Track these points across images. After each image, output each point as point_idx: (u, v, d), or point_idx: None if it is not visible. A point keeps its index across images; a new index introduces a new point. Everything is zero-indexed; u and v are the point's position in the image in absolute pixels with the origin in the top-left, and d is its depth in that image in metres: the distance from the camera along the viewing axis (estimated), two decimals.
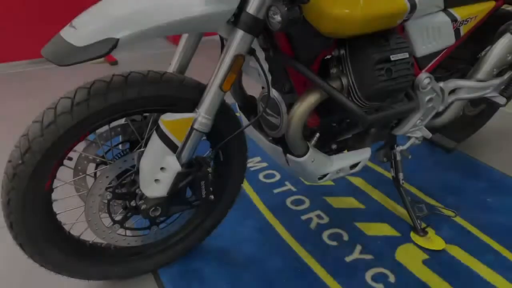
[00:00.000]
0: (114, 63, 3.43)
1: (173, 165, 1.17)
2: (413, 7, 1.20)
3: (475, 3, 1.57)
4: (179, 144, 1.17)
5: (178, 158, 1.19)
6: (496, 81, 1.71)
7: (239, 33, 1.10)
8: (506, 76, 1.73)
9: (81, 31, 0.99)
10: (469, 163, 2.11)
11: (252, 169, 2.05)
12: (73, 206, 1.30)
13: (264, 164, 2.09)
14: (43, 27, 3.39)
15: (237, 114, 1.43)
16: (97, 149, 1.28)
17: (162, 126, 1.15)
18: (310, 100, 1.29)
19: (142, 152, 1.20)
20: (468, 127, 2.27)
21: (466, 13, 1.54)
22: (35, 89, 2.95)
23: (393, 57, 1.26)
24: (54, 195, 1.21)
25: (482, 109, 2.21)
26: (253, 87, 1.56)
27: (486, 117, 2.29)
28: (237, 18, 1.10)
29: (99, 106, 1.08)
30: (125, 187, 1.26)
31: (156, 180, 1.19)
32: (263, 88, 1.52)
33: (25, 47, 3.33)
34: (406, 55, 1.29)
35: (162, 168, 1.18)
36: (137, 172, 1.23)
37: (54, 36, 1.03)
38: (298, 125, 1.30)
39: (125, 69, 1.16)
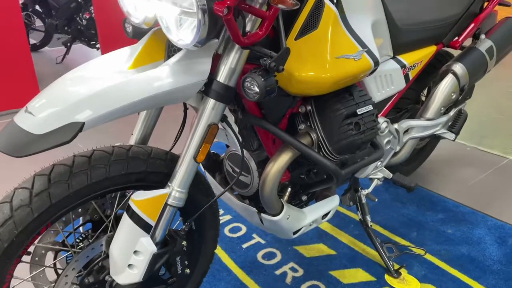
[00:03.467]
0: None
1: (148, 247, 1.07)
2: (376, 63, 1.23)
3: (419, 49, 1.67)
4: (152, 223, 1.08)
5: (152, 237, 1.10)
6: (444, 118, 1.81)
7: (211, 102, 1.05)
8: (452, 113, 1.83)
9: (39, 116, 0.89)
10: (423, 195, 2.19)
11: None
12: None
13: (228, 217, 2.02)
14: None
15: None
16: (55, 236, 1.15)
17: (133, 206, 1.06)
18: (283, 159, 1.26)
19: (111, 236, 1.09)
20: (415, 160, 2.37)
21: (413, 59, 1.62)
22: None
23: (359, 111, 1.28)
24: None
25: (427, 141, 2.33)
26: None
27: (430, 148, 2.41)
28: (207, 87, 1.05)
29: (62, 194, 0.97)
30: (93, 275, 1.13)
31: (130, 265, 1.09)
32: (227, 146, 1.48)
33: None
34: (371, 107, 1.31)
35: (135, 252, 1.08)
36: (106, 257, 1.12)
37: (7, 124, 0.91)
38: (274, 185, 1.27)
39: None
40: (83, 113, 0.90)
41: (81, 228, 1.21)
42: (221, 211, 2.06)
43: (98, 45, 4.70)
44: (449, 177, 2.36)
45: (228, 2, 0.87)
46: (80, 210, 1.17)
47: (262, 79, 0.96)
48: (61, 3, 4.68)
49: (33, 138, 0.87)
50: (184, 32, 0.97)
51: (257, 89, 0.97)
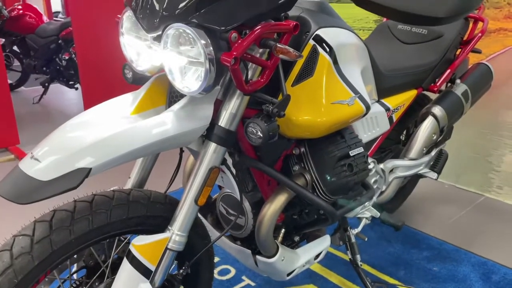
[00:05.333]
0: None
1: None
2: (368, 108, 1.30)
3: (401, 93, 1.76)
4: (152, 268, 1.07)
5: (152, 283, 1.08)
6: (426, 158, 1.88)
7: (212, 146, 1.08)
8: (433, 153, 1.92)
9: (46, 163, 0.89)
10: (407, 233, 2.23)
11: None
12: None
13: (216, 259, 1.99)
14: None
15: None
16: (49, 284, 1.12)
17: (134, 251, 1.05)
18: (279, 201, 1.28)
19: (110, 282, 1.07)
20: (398, 198, 2.43)
21: (396, 102, 1.71)
22: None
23: (351, 153, 1.33)
24: None
25: (408, 179, 2.40)
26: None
27: (411, 187, 2.48)
28: (209, 131, 1.08)
29: (64, 241, 0.96)
30: None
31: None
32: (220, 187, 1.49)
33: None
34: (362, 149, 1.37)
35: None
36: None
37: (11, 171, 0.91)
38: (270, 226, 1.28)
39: None
40: (90, 159, 0.91)
41: (74, 275, 1.18)
42: None
43: (77, 85, 4.70)
44: (430, 215, 2.42)
45: (234, 53, 0.92)
46: (75, 256, 1.14)
47: (265, 124, 1.00)
48: (40, 44, 4.68)
49: (39, 185, 0.87)
50: (188, 80, 1.00)
51: (260, 134, 1.01)
